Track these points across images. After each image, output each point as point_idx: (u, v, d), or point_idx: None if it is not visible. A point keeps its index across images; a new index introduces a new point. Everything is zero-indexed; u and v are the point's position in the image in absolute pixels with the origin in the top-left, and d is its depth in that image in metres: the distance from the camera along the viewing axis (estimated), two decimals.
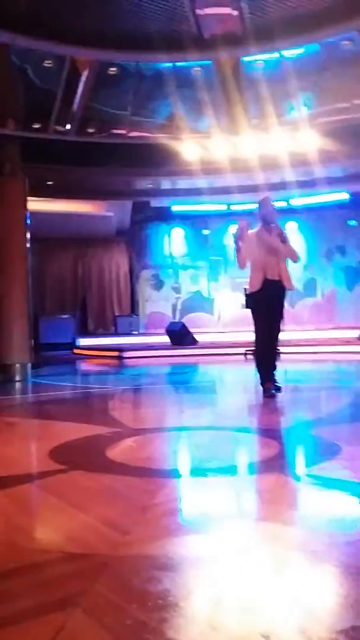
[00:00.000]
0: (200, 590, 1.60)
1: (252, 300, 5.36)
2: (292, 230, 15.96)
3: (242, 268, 5.36)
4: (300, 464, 3.07)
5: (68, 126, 11.09)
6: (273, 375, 5.39)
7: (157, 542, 1.93)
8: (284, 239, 5.21)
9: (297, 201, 15.44)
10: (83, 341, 14.25)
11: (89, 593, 1.57)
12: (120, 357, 10.99)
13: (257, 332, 5.33)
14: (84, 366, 10.33)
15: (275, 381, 5.38)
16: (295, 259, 5.45)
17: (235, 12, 9.05)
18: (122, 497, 2.44)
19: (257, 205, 5.55)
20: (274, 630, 1.36)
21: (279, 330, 5.42)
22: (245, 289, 5.81)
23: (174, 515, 2.25)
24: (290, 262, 5.41)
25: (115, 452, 3.23)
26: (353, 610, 1.44)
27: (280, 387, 5.39)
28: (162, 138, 12.39)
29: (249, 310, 5.46)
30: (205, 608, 1.51)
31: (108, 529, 2.05)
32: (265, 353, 5.39)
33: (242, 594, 1.59)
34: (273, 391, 5.19)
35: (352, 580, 1.61)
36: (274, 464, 2.97)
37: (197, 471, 2.92)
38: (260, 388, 5.37)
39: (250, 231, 5.37)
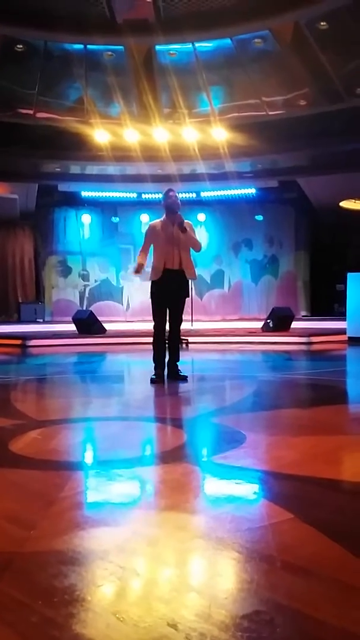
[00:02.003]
0: (107, 583, 1.59)
1: (153, 289, 5.50)
2: (201, 221, 16.23)
3: (144, 262, 5.57)
4: (205, 453, 3.14)
5: None
6: (176, 365, 5.52)
7: (64, 536, 1.90)
8: (183, 229, 5.33)
9: (207, 193, 15.70)
10: None
11: None
12: (23, 346, 10.67)
13: (154, 319, 5.53)
14: None
15: (179, 371, 5.51)
16: (196, 248, 5.55)
17: None
18: (27, 492, 2.38)
19: (162, 195, 5.67)
20: (180, 619, 1.39)
21: (180, 320, 5.58)
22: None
23: (81, 508, 2.23)
24: (194, 252, 5.56)
25: (19, 445, 3.14)
26: (257, 596, 1.50)
27: (185, 376, 5.53)
28: (71, 121, 12.12)
29: None
30: (112, 601, 1.51)
31: (12, 525, 1.99)
32: (162, 341, 5.54)
33: (149, 585, 1.61)
34: (154, 377, 5.40)
35: (255, 566, 1.67)
36: (180, 453, 3.01)
37: (104, 463, 2.90)
38: (168, 378, 5.47)
39: (155, 221, 5.62)
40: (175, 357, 5.58)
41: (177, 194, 5.61)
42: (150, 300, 5.57)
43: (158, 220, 5.60)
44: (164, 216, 5.55)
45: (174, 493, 2.38)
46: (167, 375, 5.53)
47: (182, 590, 1.56)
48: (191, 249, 5.51)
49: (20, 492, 2.38)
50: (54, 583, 1.58)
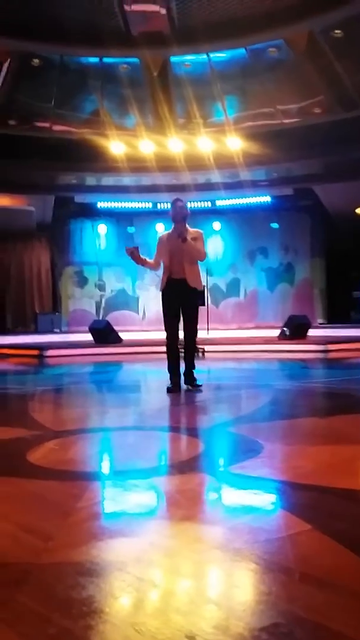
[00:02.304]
0: (125, 594, 1.59)
1: (162, 299, 5.59)
2: (216, 230, 16.25)
3: (155, 270, 5.76)
4: (222, 463, 3.12)
5: None
6: (192, 374, 5.53)
7: (81, 547, 1.90)
8: (183, 239, 5.34)
9: (222, 202, 15.72)
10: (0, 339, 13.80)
11: (10, 604, 1.53)
12: (40, 356, 10.74)
13: (165, 329, 5.57)
14: (0, 366, 10.02)
15: (194, 379, 5.50)
16: (199, 258, 5.52)
17: (163, 11, 9.08)
18: (45, 502, 2.39)
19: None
20: (198, 631, 1.38)
21: (192, 330, 5.56)
22: None
23: (98, 518, 2.23)
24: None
25: (37, 456, 3.15)
26: (275, 608, 1.48)
27: (200, 385, 5.52)
28: (87, 133, 12.23)
29: None
30: (130, 612, 1.51)
31: (30, 535, 2.00)
32: (174, 350, 5.56)
33: (166, 596, 1.60)
34: (170, 387, 5.44)
35: (273, 577, 1.66)
36: (197, 463, 3.01)
37: (121, 473, 2.90)
38: (185, 387, 5.48)
39: (165, 232, 5.72)
40: (189, 367, 5.57)
41: (183, 203, 5.59)
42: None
43: (167, 232, 5.68)
44: (173, 227, 5.60)
45: (191, 503, 2.37)
46: (184, 381, 5.54)
47: (200, 602, 1.55)
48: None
49: (37, 503, 2.39)
50: (71, 594, 1.58)
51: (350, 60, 9.91)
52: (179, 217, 5.50)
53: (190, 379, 5.55)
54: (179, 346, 5.61)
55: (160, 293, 5.62)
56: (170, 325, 5.53)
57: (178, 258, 5.44)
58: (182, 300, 5.47)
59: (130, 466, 3.01)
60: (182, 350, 5.62)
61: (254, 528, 2.05)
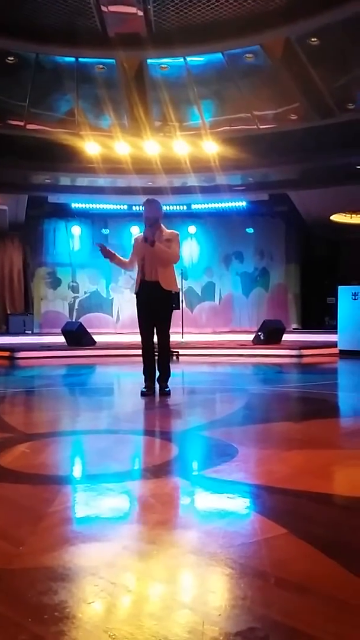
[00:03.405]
0: (98, 600, 1.56)
1: (136, 302, 5.56)
2: (192, 233, 16.27)
3: (128, 269, 5.83)
4: (196, 467, 3.10)
5: None
6: (163, 381, 5.48)
7: (53, 552, 1.86)
8: (151, 243, 5.29)
9: (198, 206, 15.75)
10: None
11: None
12: (12, 358, 10.60)
13: (140, 332, 5.53)
14: None
15: (164, 387, 5.45)
16: (170, 261, 5.44)
17: (140, 13, 9.05)
18: (16, 507, 2.33)
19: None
20: (173, 636, 1.35)
21: (165, 333, 5.48)
22: None
23: (70, 523, 2.19)
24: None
25: (7, 459, 3.09)
26: (250, 612, 1.47)
27: (169, 391, 5.43)
28: (61, 133, 12.13)
29: None
30: (103, 618, 1.48)
31: (0, 540, 1.95)
32: (150, 354, 5.52)
33: (140, 601, 1.58)
34: (144, 390, 5.40)
35: (249, 582, 1.64)
36: (171, 467, 2.98)
37: (93, 477, 2.86)
38: (159, 391, 5.45)
39: (140, 234, 5.62)
40: (163, 373, 5.50)
41: (155, 205, 5.45)
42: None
43: (141, 233, 5.56)
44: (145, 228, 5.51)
45: (165, 508, 2.35)
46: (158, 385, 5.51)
47: (174, 607, 1.53)
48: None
49: (8, 507, 2.34)
50: (43, 600, 1.54)
51: (326, 68, 10.02)
52: (146, 221, 5.39)
53: (161, 384, 5.48)
54: (154, 349, 5.57)
55: (134, 296, 5.57)
56: (144, 328, 5.48)
57: (150, 260, 5.37)
58: (156, 303, 5.42)
59: (103, 470, 2.97)
60: (157, 354, 5.58)
61: (229, 532, 2.03)
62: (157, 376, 5.54)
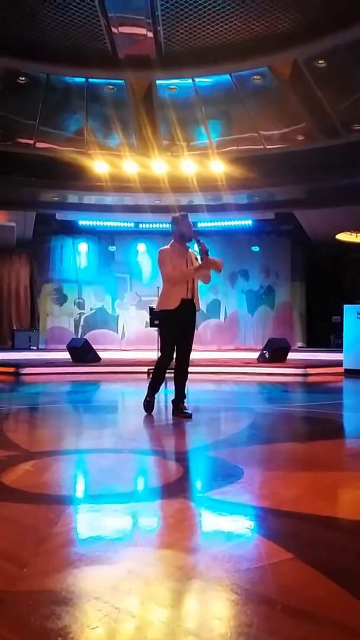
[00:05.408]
0: (101, 625, 1.54)
1: (166, 318, 5.30)
2: (197, 251, 16.31)
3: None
4: (202, 488, 3.08)
5: None
6: (182, 402, 5.34)
7: (57, 574, 1.84)
8: (206, 251, 5.15)
9: (205, 224, 15.82)
10: None
11: None
12: (17, 374, 10.59)
13: (164, 349, 5.35)
14: None
15: (184, 408, 5.29)
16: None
17: (150, 35, 9.18)
18: (19, 527, 2.32)
19: (173, 221, 5.43)
20: None
21: (189, 352, 5.37)
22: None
23: (74, 545, 2.17)
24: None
25: (11, 478, 3.07)
26: (255, 639, 1.45)
27: (190, 414, 5.25)
28: (70, 152, 12.26)
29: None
30: None
31: (4, 562, 1.93)
32: (165, 370, 5.39)
33: (144, 627, 1.55)
34: (148, 403, 5.31)
35: (254, 608, 1.62)
36: (176, 488, 2.96)
37: (98, 497, 2.84)
38: (165, 408, 5.41)
39: (167, 247, 5.39)
40: (180, 396, 5.33)
41: (189, 221, 5.35)
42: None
43: (168, 246, 5.35)
44: (175, 243, 5.35)
45: (170, 530, 2.32)
46: (173, 411, 5.35)
47: (179, 633, 1.51)
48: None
49: (11, 528, 2.32)
50: (46, 624, 1.52)
51: (333, 90, 10.11)
52: (193, 233, 5.28)
53: (179, 406, 5.29)
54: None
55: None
56: (171, 346, 5.27)
57: (189, 278, 5.22)
58: (188, 322, 5.25)
59: (107, 490, 2.95)
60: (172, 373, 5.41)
61: (234, 556, 2.01)
62: (173, 398, 5.38)
